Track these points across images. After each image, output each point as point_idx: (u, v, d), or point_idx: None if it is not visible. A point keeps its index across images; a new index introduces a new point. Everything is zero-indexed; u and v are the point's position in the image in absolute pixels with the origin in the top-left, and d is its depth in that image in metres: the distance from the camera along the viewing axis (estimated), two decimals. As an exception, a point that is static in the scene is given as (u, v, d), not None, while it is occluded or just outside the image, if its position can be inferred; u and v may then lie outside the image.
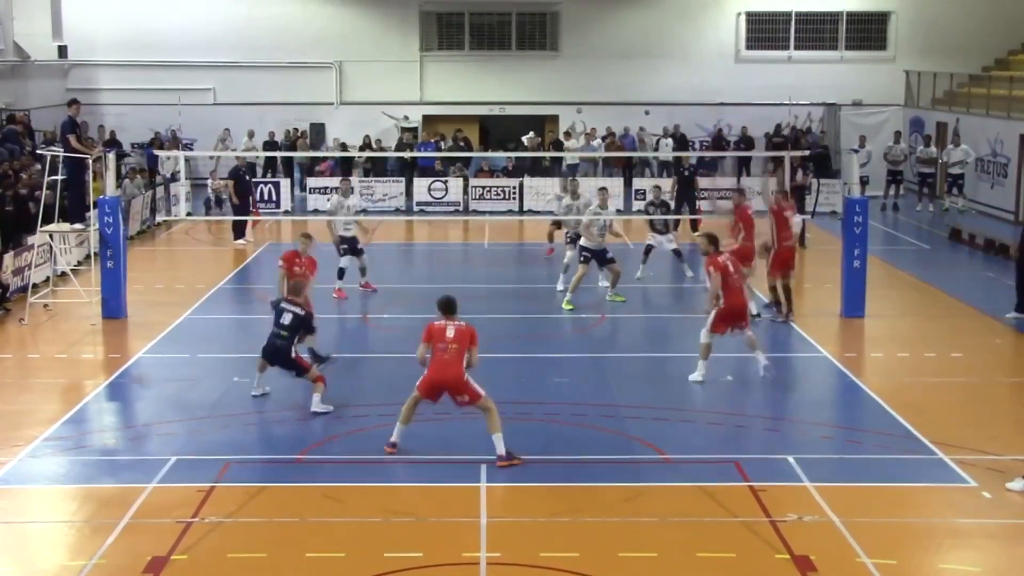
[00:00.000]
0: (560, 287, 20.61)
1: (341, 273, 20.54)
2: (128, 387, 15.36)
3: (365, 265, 20.77)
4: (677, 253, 22.38)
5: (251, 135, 33.23)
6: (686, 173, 27.67)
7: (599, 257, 19.79)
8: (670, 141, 34.11)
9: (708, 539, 10.44)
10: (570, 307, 19.31)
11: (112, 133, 34.28)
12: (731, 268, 15.27)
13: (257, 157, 32.68)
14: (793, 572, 9.79)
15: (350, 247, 20.58)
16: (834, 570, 9.82)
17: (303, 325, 14.16)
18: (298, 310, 14.15)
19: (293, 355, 14.19)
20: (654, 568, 9.94)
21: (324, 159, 32.79)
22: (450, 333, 12.33)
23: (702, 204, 26.38)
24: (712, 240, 15.59)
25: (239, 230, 26.13)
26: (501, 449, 12.19)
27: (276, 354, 14.18)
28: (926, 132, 33.03)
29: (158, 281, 22.40)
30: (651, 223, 22.28)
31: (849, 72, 36.86)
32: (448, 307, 12.55)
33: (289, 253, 16.57)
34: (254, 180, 30.85)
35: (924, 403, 14.75)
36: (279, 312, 14.19)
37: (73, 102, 20.14)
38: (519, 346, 17.13)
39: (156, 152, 32.09)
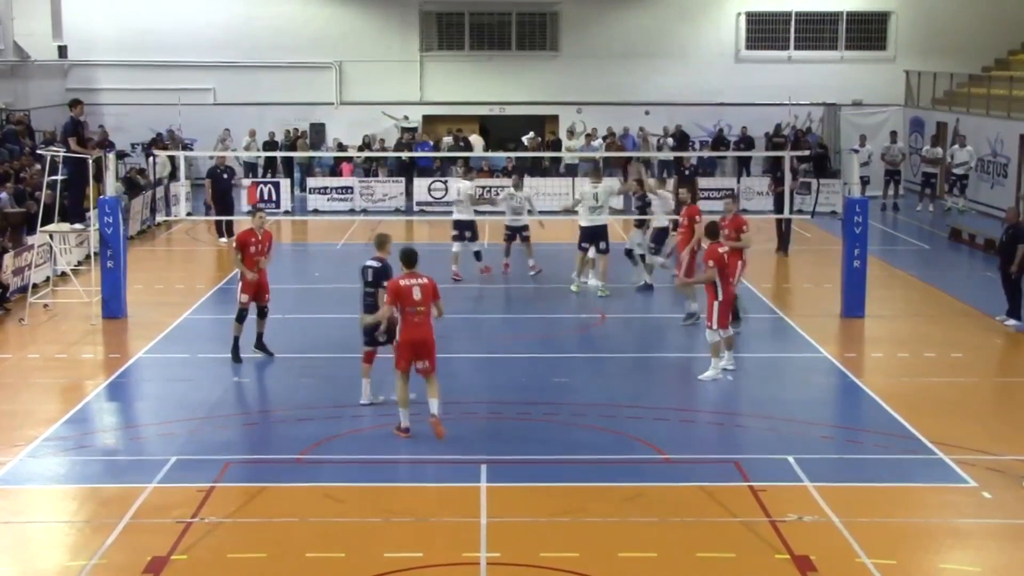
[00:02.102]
0: (577, 280, 20.77)
1: (456, 258, 21.57)
2: (128, 387, 15.37)
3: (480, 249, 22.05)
4: (630, 255, 21.61)
5: (252, 134, 33.22)
6: (687, 173, 27.71)
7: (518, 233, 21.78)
8: (670, 140, 34.14)
9: (708, 539, 10.44)
10: (576, 289, 19.91)
11: (105, 134, 34.03)
12: (727, 260, 15.34)
13: (258, 157, 32.72)
14: (793, 572, 9.79)
15: (470, 232, 21.78)
16: (834, 570, 9.82)
17: (382, 277, 13.67)
18: (375, 264, 13.87)
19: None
20: (654, 568, 9.94)
21: (344, 160, 32.93)
22: (417, 295, 12.62)
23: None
24: (712, 230, 15.68)
25: (221, 229, 26.27)
26: (436, 408, 12.73)
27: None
28: (930, 132, 33.03)
29: (158, 281, 22.40)
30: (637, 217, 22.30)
31: (849, 72, 36.86)
32: (410, 259, 12.81)
33: (244, 233, 16.39)
34: (257, 180, 30.92)
35: (924, 403, 14.75)
36: (363, 271, 13.98)
37: (76, 103, 20.09)
38: (520, 346, 17.13)
39: (156, 152, 32.05)
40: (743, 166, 34.28)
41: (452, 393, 14.67)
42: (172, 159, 29.24)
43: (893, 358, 17.11)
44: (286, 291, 22.45)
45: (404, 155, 32.27)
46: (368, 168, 33.20)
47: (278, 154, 32.46)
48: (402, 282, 12.70)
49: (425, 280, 12.76)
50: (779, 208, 25.40)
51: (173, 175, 29.67)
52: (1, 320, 18.75)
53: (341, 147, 33.38)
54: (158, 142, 33.69)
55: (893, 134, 32.68)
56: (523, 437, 13.31)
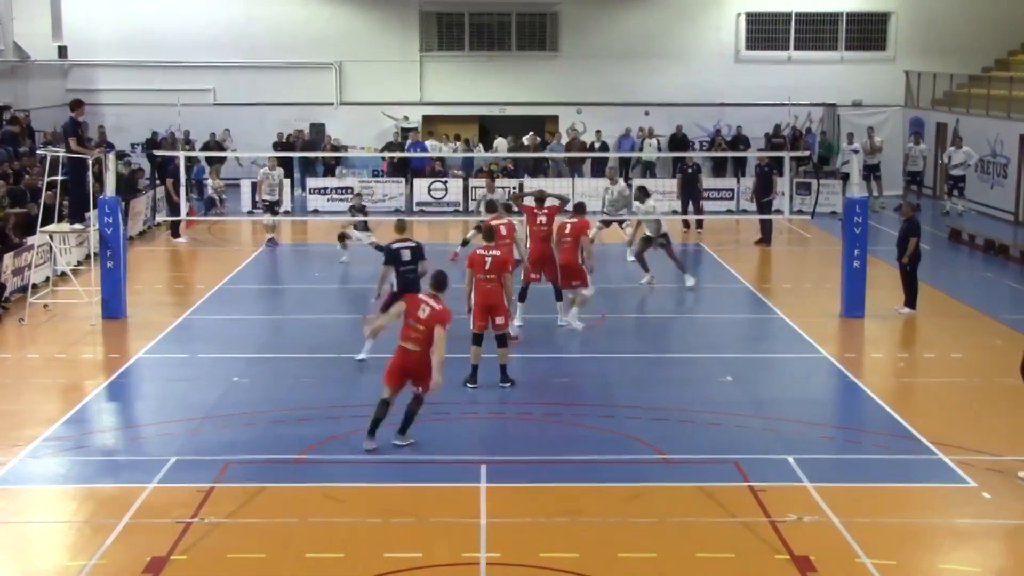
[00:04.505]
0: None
1: None
2: (128, 387, 15.37)
3: None
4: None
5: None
6: (689, 171, 27.72)
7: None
8: (654, 141, 34.27)
9: (708, 539, 10.44)
10: None
11: (103, 134, 33.98)
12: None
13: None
14: (793, 572, 9.79)
15: None
16: (834, 570, 9.82)
17: (421, 253, 15.31)
18: (411, 243, 15.38)
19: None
20: (654, 568, 9.94)
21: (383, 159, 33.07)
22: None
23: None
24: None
25: (176, 229, 26.62)
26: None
27: (413, 291, 14.77)
28: (914, 131, 32.99)
29: (158, 281, 22.42)
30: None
31: (849, 72, 36.85)
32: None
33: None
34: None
35: (924, 403, 14.77)
36: (397, 252, 15.24)
37: (78, 103, 20.07)
38: (519, 346, 17.12)
39: (156, 152, 32.04)
40: (739, 166, 34.32)
41: (452, 393, 14.70)
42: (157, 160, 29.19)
43: (893, 358, 17.12)
44: (286, 291, 22.49)
45: (408, 155, 32.21)
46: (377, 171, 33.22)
47: (293, 154, 32.18)
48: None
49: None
50: (765, 210, 25.46)
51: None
52: (1, 320, 18.75)
53: (335, 148, 33.39)
54: (155, 142, 33.66)
55: (870, 130, 32.63)
56: (523, 437, 13.31)
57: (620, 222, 24.34)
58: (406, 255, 15.27)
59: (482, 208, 23.59)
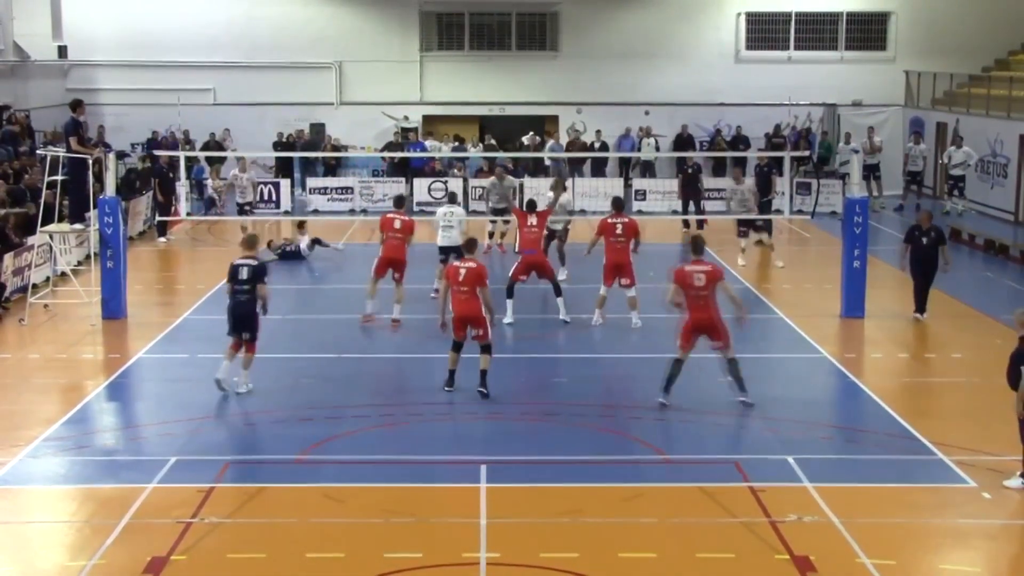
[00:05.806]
0: None
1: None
2: (128, 387, 15.37)
3: None
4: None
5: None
6: (690, 171, 27.71)
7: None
8: (652, 140, 34.27)
9: (708, 539, 10.45)
10: None
11: (102, 134, 33.94)
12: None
13: (271, 168, 32.66)
14: (793, 572, 9.80)
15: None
16: (834, 570, 9.83)
17: (259, 275, 14.52)
18: (252, 262, 14.61)
19: (257, 311, 14.61)
20: (654, 568, 9.94)
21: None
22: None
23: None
24: None
25: (162, 229, 26.80)
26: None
27: (243, 313, 14.51)
28: (914, 131, 33.00)
29: (158, 281, 22.41)
30: None
31: (849, 72, 36.85)
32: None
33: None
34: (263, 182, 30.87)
35: (924, 403, 14.77)
36: (235, 270, 14.55)
37: (78, 103, 20.08)
38: (519, 346, 17.13)
39: (157, 152, 32.01)
40: (738, 166, 34.28)
41: (452, 394, 14.69)
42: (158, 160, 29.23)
43: (893, 358, 17.11)
44: (286, 292, 22.48)
45: (408, 154, 32.24)
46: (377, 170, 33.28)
47: (294, 154, 32.19)
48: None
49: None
50: (765, 210, 25.43)
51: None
52: (1, 320, 18.75)
53: (335, 148, 33.41)
54: (155, 142, 33.66)
55: (871, 130, 32.63)
56: (523, 437, 13.31)
57: (751, 226, 23.68)
58: (243, 273, 14.49)
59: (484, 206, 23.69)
